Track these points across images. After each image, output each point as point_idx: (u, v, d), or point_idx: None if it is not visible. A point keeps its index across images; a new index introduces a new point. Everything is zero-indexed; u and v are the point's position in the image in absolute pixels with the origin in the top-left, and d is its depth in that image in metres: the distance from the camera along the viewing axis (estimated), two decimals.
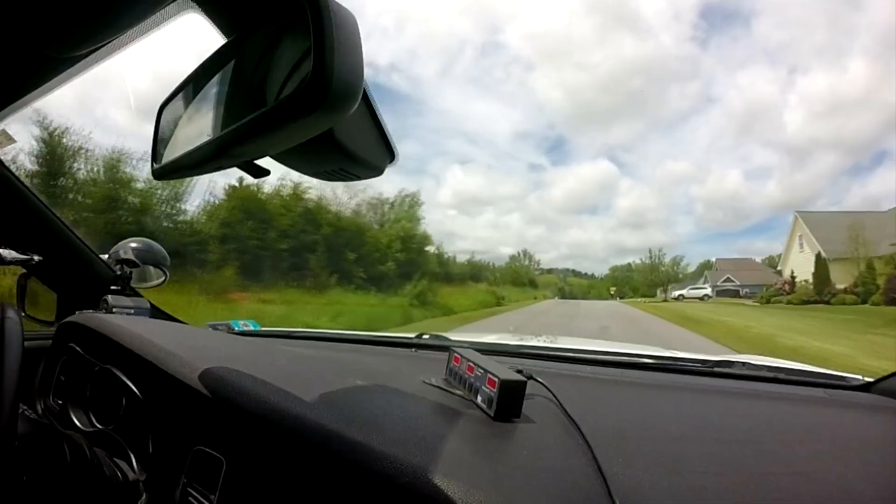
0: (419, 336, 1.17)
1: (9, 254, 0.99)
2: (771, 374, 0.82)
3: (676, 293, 35.79)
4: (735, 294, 36.36)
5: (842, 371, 0.83)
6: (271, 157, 0.41)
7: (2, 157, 0.96)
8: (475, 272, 32.54)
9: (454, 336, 1.22)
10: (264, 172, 0.42)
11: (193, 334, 0.93)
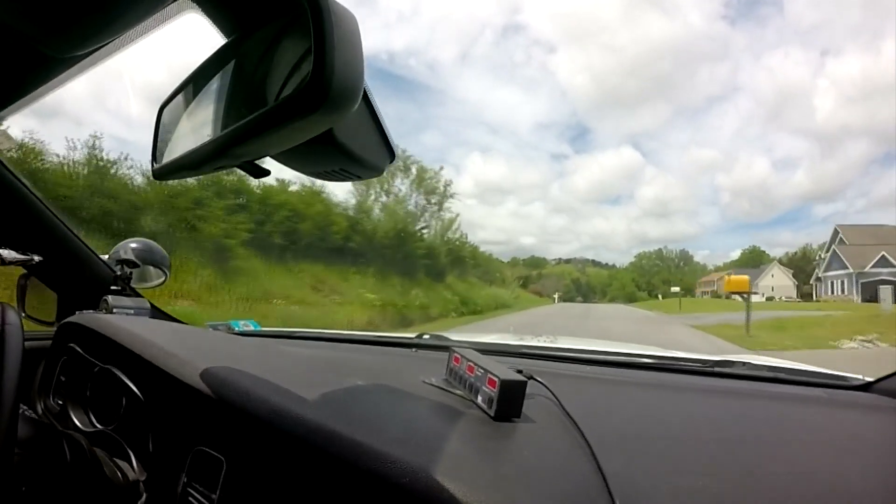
0: (419, 336, 1.17)
1: (9, 254, 0.99)
2: (771, 374, 0.82)
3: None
4: None
5: (842, 371, 0.83)
6: (271, 157, 0.41)
7: (2, 158, 0.96)
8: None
9: (454, 336, 1.22)
10: (264, 172, 0.42)
11: (193, 334, 0.93)
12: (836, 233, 31.33)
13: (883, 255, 23.68)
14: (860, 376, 0.78)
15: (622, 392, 0.77)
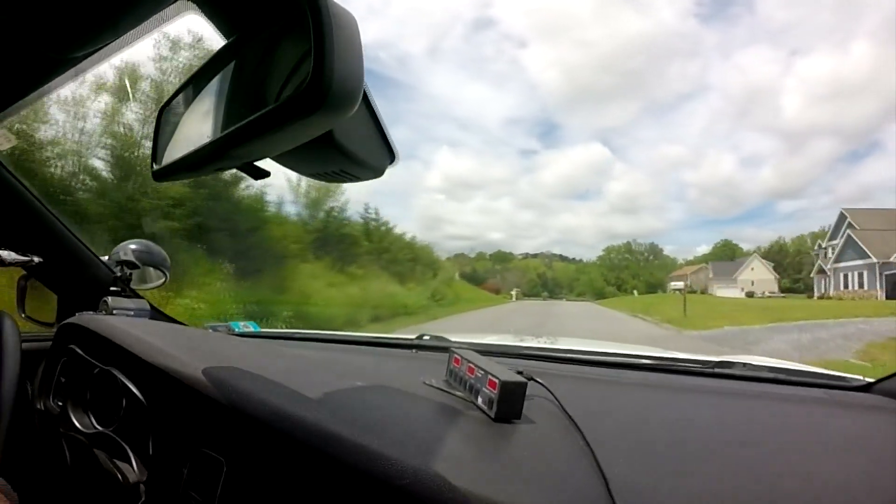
0: (419, 337, 1.17)
1: (9, 255, 0.99)
2: (771, 375, 0.82)
3: None
4: None
5: (843, 372, 0.83)
6: (271, 158, 0.41)
7: (1, 158, 0.96)
8: None
9: (454, 337, 1.22)
10: (264, 174, 0.42)
11: (193, 336, 0.93)
12: (842, 217, 25.22)
13: None
14: (860, 377, 0.78)
15: (623, 393, 0.76)
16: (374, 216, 18.87)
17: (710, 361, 0.89)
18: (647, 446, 0.51)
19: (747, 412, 0.68)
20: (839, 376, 0.81)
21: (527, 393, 0.56)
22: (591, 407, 0.64)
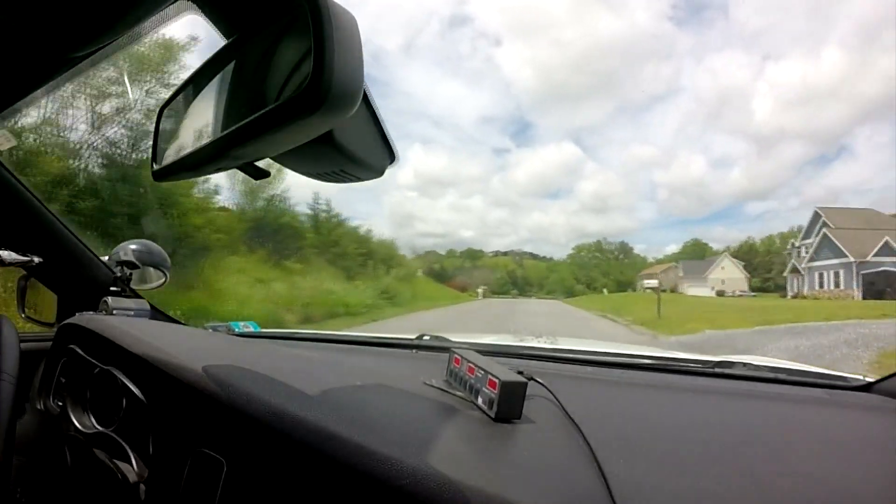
0: (419, 337, 1.17)
1: (9, 255, 0.99)
2: (772, 375, 0.82)
3: None
4: None
5: (843, 372, 0.83)
6: (271, 158, 0.41)
7: (1, 158, 0.96)
8: None
9: (454, 337, 1.22)
10: (264, 174, 0.42)
11: (193, 336, 0.93)
12: (816, 216, 25.17)
13: (887, 242, 18.87)
14: (861, 377, 0.78)
15: (623, 393, 0.76)
16: (324, 207, 17.55)
17: (710, 361, 0.89)
18: (647, 446, 0.51)
19: (747, 412, 0.68)
20: (839, 376, 0.81)
21: (527, 393, 0.56)
22: (591, 407, 0.64)
